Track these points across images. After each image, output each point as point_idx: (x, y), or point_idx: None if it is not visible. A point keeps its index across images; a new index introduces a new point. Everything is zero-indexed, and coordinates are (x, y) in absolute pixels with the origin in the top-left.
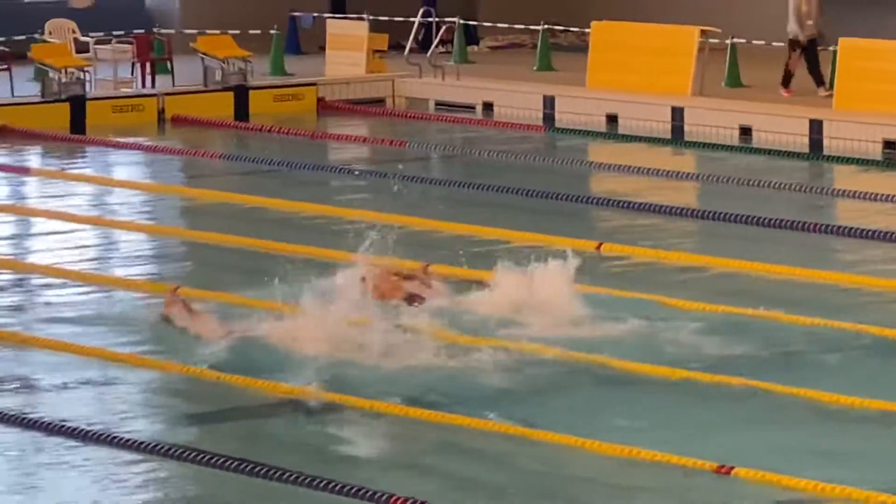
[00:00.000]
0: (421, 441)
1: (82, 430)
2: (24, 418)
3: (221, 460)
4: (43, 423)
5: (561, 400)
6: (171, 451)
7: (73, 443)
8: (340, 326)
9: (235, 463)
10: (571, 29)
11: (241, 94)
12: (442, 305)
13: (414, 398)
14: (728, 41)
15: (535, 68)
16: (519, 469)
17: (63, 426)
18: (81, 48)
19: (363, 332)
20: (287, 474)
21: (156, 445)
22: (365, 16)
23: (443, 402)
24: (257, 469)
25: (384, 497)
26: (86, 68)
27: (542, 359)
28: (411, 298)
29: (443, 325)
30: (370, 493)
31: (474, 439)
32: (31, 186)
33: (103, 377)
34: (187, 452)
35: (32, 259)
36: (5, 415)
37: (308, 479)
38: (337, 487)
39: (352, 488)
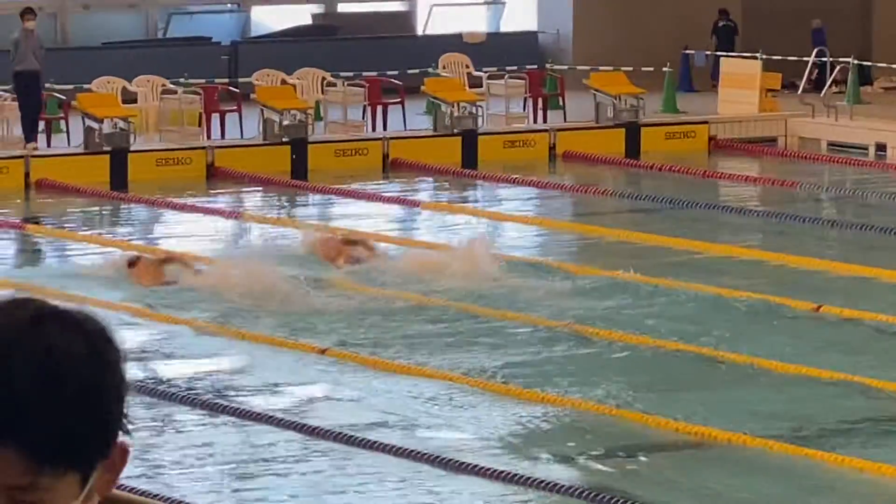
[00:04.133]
0: None
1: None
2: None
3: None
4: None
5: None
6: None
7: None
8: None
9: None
10: None
11: (633, 132)
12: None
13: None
14: None
15: None
16: None
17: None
18: (474, 83)
19: None
20: None
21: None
22: (759, 54)
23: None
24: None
25: None
26: (478, 103)
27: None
28: (354, 261)
29: None
30: None
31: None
32: (421, 220)
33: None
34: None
35: (414, 292)
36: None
37: None
38: None
39: None
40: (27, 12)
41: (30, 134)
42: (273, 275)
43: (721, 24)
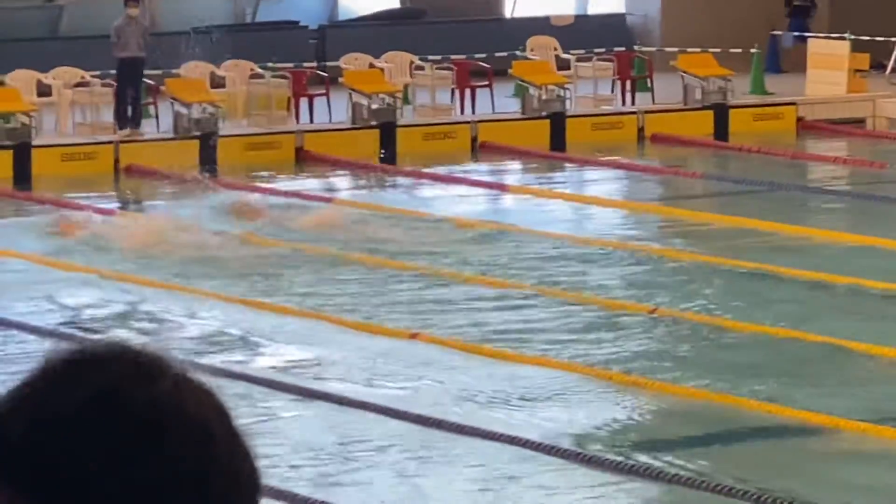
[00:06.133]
0: None
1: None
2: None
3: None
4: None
5: None
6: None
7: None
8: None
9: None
10: None
11: (721, 113)
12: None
13: None
14: None
15: None
16: None
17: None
18: (562, 65)
19: None
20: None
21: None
22: (847, 35)
23: None
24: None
25: None
26: (566, 85)
27: None
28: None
29: None
30: None
31: None
32: (510, 202)
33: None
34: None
35: (509, 278)
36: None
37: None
38: None
39: None
40: None
41: (124, 120)
42: (171, 228)
43: (796, 3)
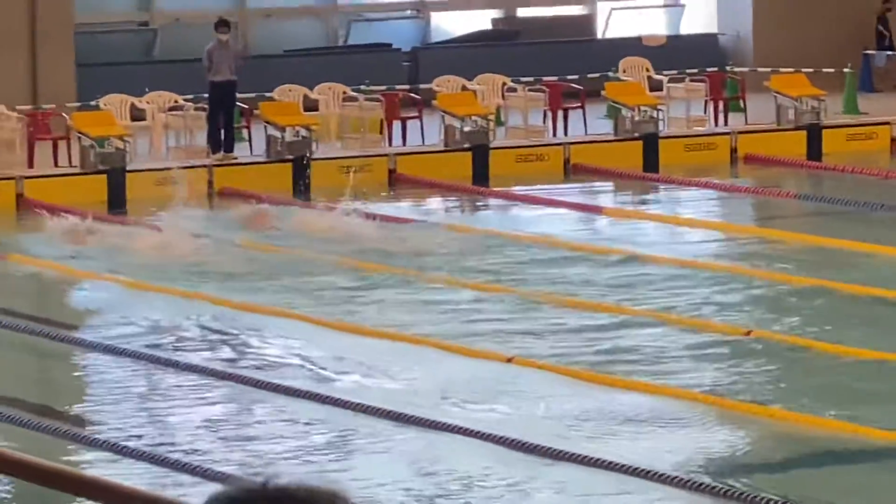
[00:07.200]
0: None
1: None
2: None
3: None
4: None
5: None
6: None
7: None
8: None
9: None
10: None
11: (814, 134)
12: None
13: None
14: None
15: None
16: None
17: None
18: (655, 86)
19: None
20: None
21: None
22: None
23: None
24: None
25: None
26: (658, 106)
27: None
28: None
29: None
30: None
31: None
32: (603, 224)
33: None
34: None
35: (600, 299)
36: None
37: None
38: None
39: None
40: (221, 24)
41: (217, 144)
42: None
43: (879, 27)
